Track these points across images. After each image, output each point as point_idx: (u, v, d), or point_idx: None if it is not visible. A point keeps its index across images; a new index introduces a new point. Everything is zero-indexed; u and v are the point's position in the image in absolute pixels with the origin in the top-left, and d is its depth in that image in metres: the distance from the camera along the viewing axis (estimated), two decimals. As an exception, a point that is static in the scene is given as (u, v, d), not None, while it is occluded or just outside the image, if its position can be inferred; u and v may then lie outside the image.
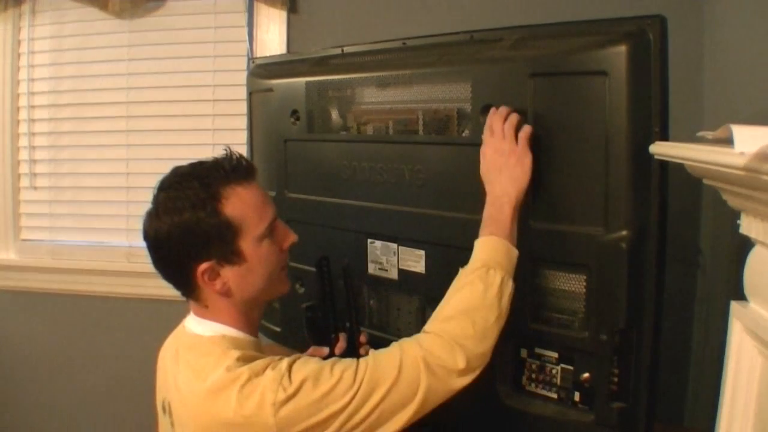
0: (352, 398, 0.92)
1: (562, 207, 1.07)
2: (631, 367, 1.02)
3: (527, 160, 1.04)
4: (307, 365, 0.95)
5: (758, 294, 0.80)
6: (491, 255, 1.01)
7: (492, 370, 1.15)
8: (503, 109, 1.08)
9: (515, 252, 1.03)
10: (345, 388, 0.92)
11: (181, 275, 1.02)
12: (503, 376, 1.15)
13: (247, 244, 1.01)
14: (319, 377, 0.93)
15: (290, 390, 0.91)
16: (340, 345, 1.21)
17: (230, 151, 1.05)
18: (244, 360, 0.96)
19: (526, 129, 1.05)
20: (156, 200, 1.01)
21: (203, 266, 0.99)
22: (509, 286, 1.01)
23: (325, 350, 1.21)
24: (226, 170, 1.01)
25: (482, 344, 0.98)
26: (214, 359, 0.97)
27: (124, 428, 2.33)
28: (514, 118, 1.06)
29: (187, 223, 0.97)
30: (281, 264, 1.08)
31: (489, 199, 1.06)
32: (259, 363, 0.95)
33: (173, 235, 0.98)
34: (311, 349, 1.24)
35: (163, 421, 1.08)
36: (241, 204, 1.00)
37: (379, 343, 1.27)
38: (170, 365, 1.05)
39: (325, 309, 1.20)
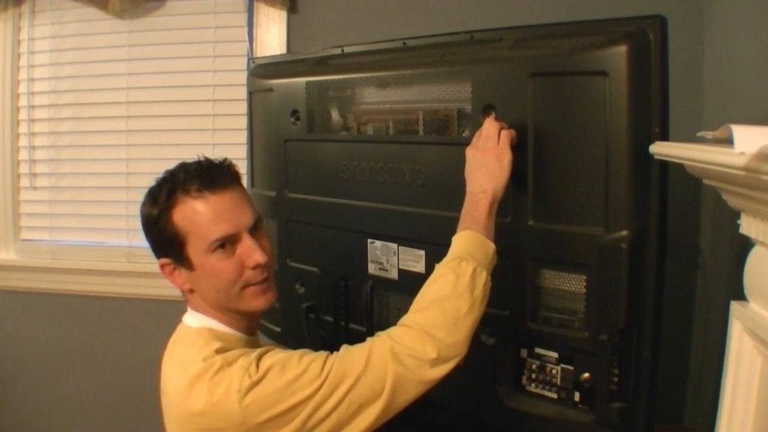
0: (319, 388, 0.92)
1: (562, 207, 1.07)
2: (631, 367, 1.02)
3: (506, 159, 1.05)
4: (277, 354, 0.96)
5: (758, 294, 0.80)
6: (464, 247, 1.01)
7: (492, 370, 1.16)
8: (489, 119, 1.10)
9: (491, 246, 1.02)
10: (312, 377, 0.92)
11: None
12: (503, 376, 1.15)
13: (194, 254, 1.03)
14: (286, 365, 0.93)
15: (255, 377, 0.91)
16: None
17: (205, 158, 1.07)
18: (224, 352, 0.98)
19: (510, 131, 1.07)
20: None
21: (163, 261, 1.06)
22: (482, 276, 1.00)
23: None
24: (190, 179, 1.03)
25: (454, 334, 0.96)
26: (197, 350, 0.99)
27: (124, 428, 2.33)
28: (500, 123, 1.08)
29: (148, 219, 1.05)
30: (240, 282, 1.04)
31: (467, 196, 1.07)
32: (233, 353, 0.97)
33: (144, 224, 1.07)
34: None
35: (164, 410, 1.10)
36: (191, 215, 1.02)
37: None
38: (168, 357, 1.08)
39: (339, 331, 1.18)
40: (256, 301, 1.06)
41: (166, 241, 1.03)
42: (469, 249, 1.01)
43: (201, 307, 1.07)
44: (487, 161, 1.05)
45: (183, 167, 1.06)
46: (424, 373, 0.94)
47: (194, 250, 1.02)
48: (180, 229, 1.02)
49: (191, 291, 1.06)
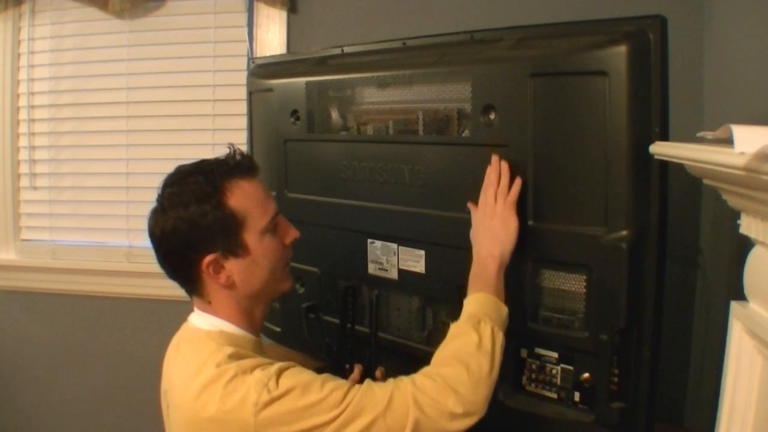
0: (336, 417, 0.91)
1: (562, 207, 1.07)
2: (631, 367, 1.02)
3: (512, 224, 1.06)
4: (299, 375, 0.95)
5: (758, 294, 0.80)
6: (480, 308, 1.03)
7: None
8: (495, 176, 1.09)
9: (504, 308, 1.05)
10: (331, 405, 0.92)
11: (186, 269, 1.03)
12: (503, 376, 1.15)
13: (250, 237, 1.03)
14: (308, 388, 0.93)
15: (275, 393, 0.91)
16: (353, 377, 1.18)
17: (233, 148, 1.08)
18: (237, 357, 0.97)
19: (512, 194, 1.07)
20: (161, 197, 1.03)
21: (208, 258, 1.01)
22: (500, 337, 1.02)
23: None
24: (230, 165, 1.05)
25: (477, 391, 0.97)
26: (208, 353, 0.98)
27: (124, 428, 2.33)
28: (504, 183, 1.08)
29: (192, 216, 1.00)
30: (284, 259, 1.10)
31: (475, 259, 1.08)
32: (248, 362, 0.96)
33: (179, 229, 1.00)
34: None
35: (165, 411, 1.09)
36: (244, 197, 1.03)
37: (383, 346, 1.27)
38: (172, 358, 1.07)
39: (344, 338, 1.18)
40: (288, 281, 1.13)
41: (218, 231, 1.00)
42: (485, 310, 1.03)
43: (221, 309, 1.05)
44: (494, 227, 1.07)
45: (210, 161, 1.06)
46: (444, 424, 0.95)
47: (251, 232, 1.03)
48: (237, 213, 1.01)
49: (231, 286, 1.04)
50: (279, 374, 0.94)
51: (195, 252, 1.01)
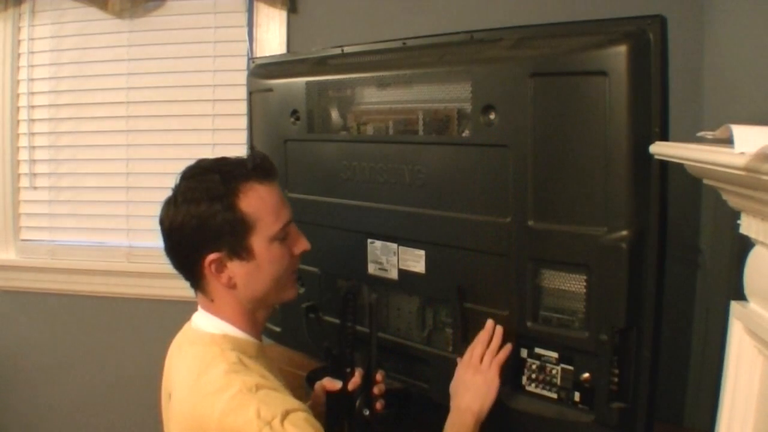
0: None
1: (562, 207, 1.07)
2: (631, 367, 1.02)
3: (494, 385, 1.10)
4: (305, 425, 0.93)
5: (758, 294, 0.80)
6: None
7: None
8: (486, 336, 1.13)
9: None
10: None
11: (189, 264, 1.04)
12: (503, 376, 1.15)
13: (258, 242, 1.02)
14: None
15: None
16: (355, 380, 1.17)
17: (254, 150, 1.07)
18: (242, 365, 0.97)
19: (501, 356, 1.11)
20: (176, 188, 1.04)
21: (211, 257, 1.01)
22: None
23: (339, 384, 1.17)
24: (248, 167, 1.04)
25: None
26: (211, 357, 0.98)
27: (124, 428, 2.33)
28: (494, 345, 1.12)
29: (202, 214, 1.00)
30: (290, 268, 1.09)
31: (454, 410, 1.11)
32: (252, 379, 0.95)
33: (187, 225, 1.00)
34: (326, 380, 1.20)
35: (165, 411, 1.09)
36: (258, 202, 1.02)
37: (383, 346, 1.27)
38: (175, 358, 1.07)
39: (345, 342, 1.18)
40: (294, 290, 1.12)
41: (225, 232, 1.00)
42: None
43: (224, 308, 1.05)
44: (477, 384, 1.11)
45: (230, 160, 1.05)
46: None
47: (259, 238, 1.02)
48: (248, 216, 1.01)
49: (233, 287, 1.03)
50: (285, 416, 0.91)
51: (199, 249, 1.01)
